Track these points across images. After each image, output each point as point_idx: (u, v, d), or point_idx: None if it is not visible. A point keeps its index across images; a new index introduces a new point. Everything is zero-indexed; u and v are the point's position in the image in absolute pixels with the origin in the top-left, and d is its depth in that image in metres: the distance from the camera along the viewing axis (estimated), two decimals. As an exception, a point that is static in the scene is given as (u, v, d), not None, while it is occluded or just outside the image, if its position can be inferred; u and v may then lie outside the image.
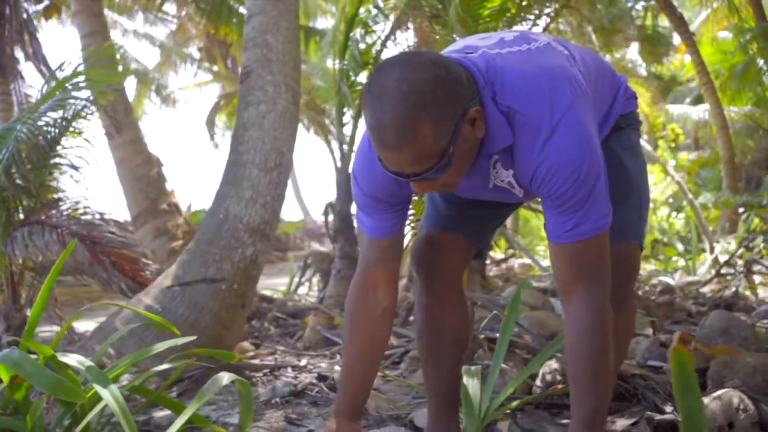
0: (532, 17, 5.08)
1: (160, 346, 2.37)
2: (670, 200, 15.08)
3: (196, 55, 15.55)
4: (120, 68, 9.46)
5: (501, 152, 1.54)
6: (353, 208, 4.16)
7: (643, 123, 1.99)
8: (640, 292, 5.55)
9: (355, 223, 5.03)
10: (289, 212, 26.08)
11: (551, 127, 1.45)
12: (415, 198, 3.31)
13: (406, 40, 5.63)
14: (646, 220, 1.86)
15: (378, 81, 1.40)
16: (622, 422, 2.18)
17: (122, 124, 5.65)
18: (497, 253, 8.99)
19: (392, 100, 1.36)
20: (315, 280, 6.17)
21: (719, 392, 2.14)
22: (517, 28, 5.13)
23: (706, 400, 2.13)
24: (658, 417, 2.12)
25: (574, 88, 1.51)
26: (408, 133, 1.36)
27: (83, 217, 3.69)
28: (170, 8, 11.71)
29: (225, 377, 2.00)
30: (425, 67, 1.39)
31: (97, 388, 1.79)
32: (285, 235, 14.35)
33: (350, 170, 1.76)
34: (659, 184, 15.83)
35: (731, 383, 2.26)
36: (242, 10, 8.06)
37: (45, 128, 3.61)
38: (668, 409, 2.24)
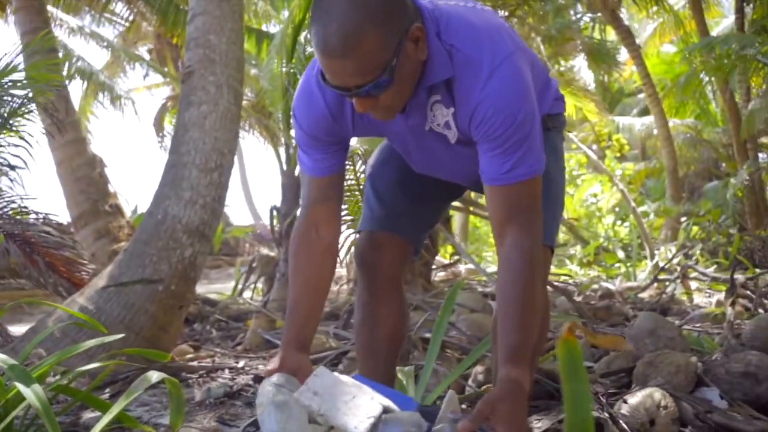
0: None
1: (89, 344, 2.34)
2: (616, 209, 15.38)
3: (146, 56, 15.32)
4: (66, 66, 9.28)
5: (442, 89, 1.57)
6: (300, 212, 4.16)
7: (567, 124, 2.05)
8: (580, 297, 5.67)
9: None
10: (240, 217, 25.89)
11: (492, 68, 1.49)
12: (349, 197, 3.33)
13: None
14: (559, 222, 1.93)
15: None
16: (548, 421, 2.22)
17: (64, 124, 5.54)
18: (444, 259, 9.08)
19: (338, 10, 1.40)
20: (260, 283, 6.15)
21: (643, 391, 2.21)
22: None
23: (630, 398, 2.19)
24: (582, 414, 2.17)
25: (516, 42, 1.59)
26: (353, 40, 1.39)
27: (18, 217, 3.62)
28: (119, 7, 11.51)
29: (154, 375, 1.99)
30: None
31: (20, 386, 1.76)
32: (234, 239, 14.22)
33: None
34: (606, 193, 16.16)
35: (655, 381, 2.32)
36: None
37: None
38: (594, 407, 2.28)
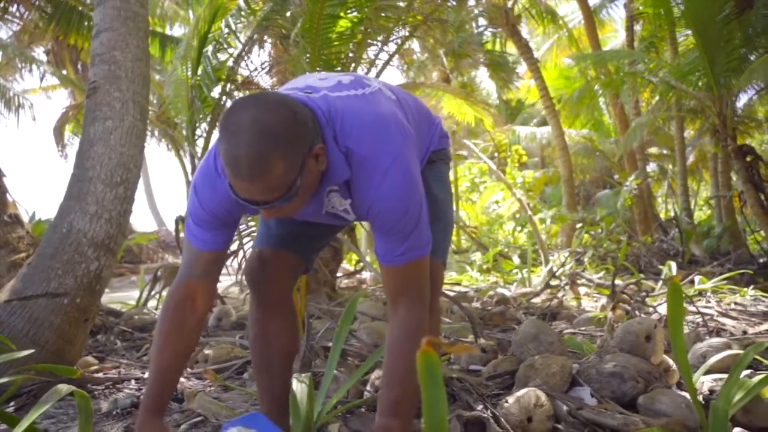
0: (378, 42, 5.38)
1: (-3, 360, 2.38)
2: (517, 215, 15.95)
3: (43, 57, 14.84)
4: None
5: (339, 184, 1.75)
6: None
7: (451, 158, 2.32)
8: (479, 303, 5.96)
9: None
10: (144, 223, 25.38)
11: (384, 171, 1.68)
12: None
13: (258, 57, 5.78)
14: (450, 240, 2.17)
15: (233, 118, 1.54)
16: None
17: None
18: (350, 266, 9.25)
19: (246, 138, 1.50)
20: (165, 292, 6.14)
21: (522, 391, 2.43)
22: (366, 53, 5.41)
23: (510, 398, 2.42)
24: (467, 414, 2.38)
25: (404, 133, 1.76)
26: (261, 167, 1.51)
27: None
28: (14, 7, 11.14)
29: (64, 388, 2.06)
30: (276, 107, 1.55)
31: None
32: (138, 246, 13.97)
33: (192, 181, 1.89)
34: (508, 200, 16.74)
35: (534, 383, 2.56)
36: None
37: None
38: (479, 407, 2.50)
